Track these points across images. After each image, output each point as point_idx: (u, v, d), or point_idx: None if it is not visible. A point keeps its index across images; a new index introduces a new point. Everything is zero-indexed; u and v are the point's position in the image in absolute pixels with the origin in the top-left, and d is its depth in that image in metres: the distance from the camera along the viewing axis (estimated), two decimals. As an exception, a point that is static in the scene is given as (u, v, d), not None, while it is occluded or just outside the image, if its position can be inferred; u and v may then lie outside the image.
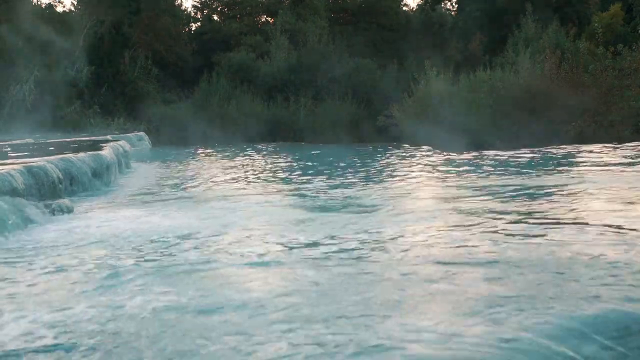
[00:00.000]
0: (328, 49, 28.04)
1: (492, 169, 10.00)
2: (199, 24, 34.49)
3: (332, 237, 4.69)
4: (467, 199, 6.62)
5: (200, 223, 5.57)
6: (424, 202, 7.04)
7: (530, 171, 9.49)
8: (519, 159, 11.39)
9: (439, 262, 3.75)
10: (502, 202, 6.29)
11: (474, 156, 12.63)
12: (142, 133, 21.53)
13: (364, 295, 3.14)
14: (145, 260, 4.10)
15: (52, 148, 10.75)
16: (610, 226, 4.62)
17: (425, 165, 11.85)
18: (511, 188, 7.42)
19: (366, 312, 2.87)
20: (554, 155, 11.67)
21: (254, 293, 3.26)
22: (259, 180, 10.05)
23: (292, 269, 3.77)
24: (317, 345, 2.49)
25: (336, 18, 32.46)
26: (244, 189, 8.85)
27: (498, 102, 16.57)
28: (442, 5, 33.51)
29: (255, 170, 11.91)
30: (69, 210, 6.27)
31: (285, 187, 9.12)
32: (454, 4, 33.52)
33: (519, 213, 5.47)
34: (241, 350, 2.50)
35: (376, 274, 3.55)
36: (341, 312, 2.88)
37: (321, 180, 9.48)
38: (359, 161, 13.63)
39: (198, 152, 19.12)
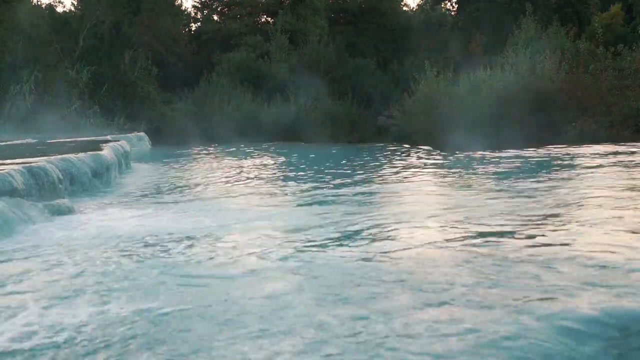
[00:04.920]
0: (328, 49, 28.04)
1: (492, 170, 10.00)
2: (199, 24, 34.51)
3: (335, 238, 4.68)
4: (466, 200, 6.62)
5: (199, 224, 5.57)
6: (423, 202, 7.03)
7: (530, 171, 9.48)
8: (518, 160, 11.38)
9: (424, 261, 3.75)
10: (501, 201, 6.28)
11: (473, 156, 12.62)
12: (142, 133, 21.51)
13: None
14: (144, 261, 4.09)
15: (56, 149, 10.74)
16: (608, 225, 4.62)
17: (425, 165, 11.85)
18: (510, 188, 7.42)
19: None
20: (554, 156, 11.66)
21: (255, 296, 3.26)
22: (259, 181, 10.04)
23: (291, 271, 3.77)
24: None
25: (336, 18, 32.45)
26: (244, 189, 8.84)
27: (498, 102, 16.55)
28: (442, 5, 33.50)
29: (255, 171, 11.90)
30: (69, 210, 6.26)
31: (285, 187, 9.11)
32: (454, 4, 33.49)
33: (517, 213, 5.47)
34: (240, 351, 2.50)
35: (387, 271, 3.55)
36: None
37: (321, 181, 9.48)
38: (358, 161, 13.62)
39: (198, 152, 19.11)
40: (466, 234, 4.60)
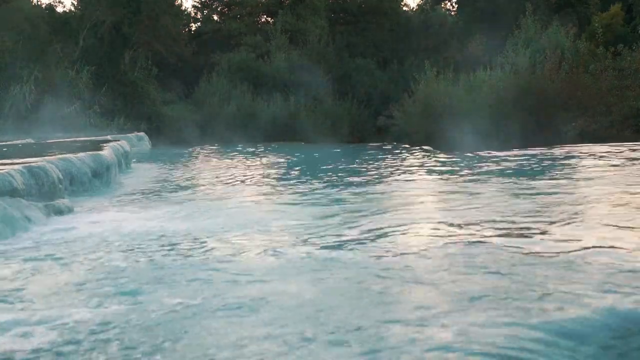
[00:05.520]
0: (328, 49, 28.04)
1: (493, 170, 10.00)
2: (199, 24, 34.51)
3: (348, 237, 4.66)
4: (469, 200, 6.62)
5: (202, 223, 5.57)
6: (428, 203, 7.03)
7: (530, 172, 9.48)
8: (519, 160, 11.38)
9: (422, 259, 3.76)
10: (504, 201, 6.28)
11: (473, 156, 12.62)
12: (142, 133, 21.52)
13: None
14: (145, 261, 4.09)
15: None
16: (608, 226, 4.62)
17: (425, 165, 11.85)
18: (512, 188, 7.42)
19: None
20: (554, 156, 11.66)
21: (255, 292, 3.26)
22: (259, 181, 10.04)
23: (310, 270, 3.77)
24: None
25: (336, 18, 32.44)
26: (245, 189, 8.84)
27: (498, 102, 16.56)
28: (442, 5, 33.50)
29: (255, 171, 11.91)
30: (69, 210, 6.26)
31: (285, 187, 9.11)
32: (454, 4, 33.52)
33: (521, 213, 5.46)
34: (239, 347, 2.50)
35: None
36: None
37: (321, 181, 9.48)
38: (360, 161, 13.63)
39: (198, 152, 19.11)
40: (474, 234, 4.59)
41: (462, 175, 9.45)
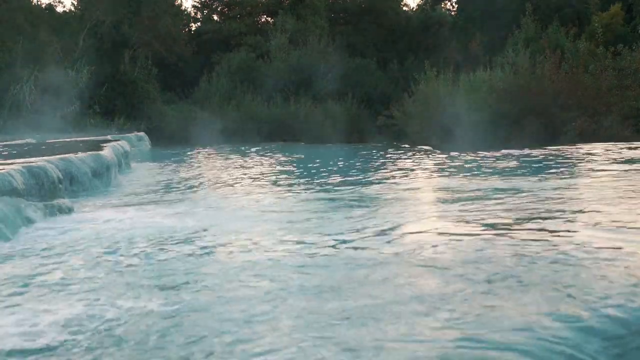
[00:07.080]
0: (328, 49, 28.05)
1: (492, 169, 10.00)
2: (199, 24, 34.54)
3: (355, 236, 4.66)
4: (464, 200, 6.62)
5: (200, 223, 5.56)
6: (429, 202, 7.04)
7: (531, 171, 9.48)
8: (519, 160, 11.38)
9: (417, 261, 3.76)
10: (499, 202, 6.28)
11: (473, 156, 12.63)
12: (142, 133, 21.53)
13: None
14: (145, 261, 4.09)
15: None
16: (608, 224, 4.62)
17: (425, 165, 11.85)
18: (510, 189, 7.42)
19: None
20: (553, 156, 11.66)
21: (253, 292, 3.26)
22: (258, 181, 10.05)
23: (289, 272, 3.77)
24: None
25: (336, 18, 32.48)
26: (244, 189, 8.84)
27: (498, 102, 16.57)
28: (442, 5, 33.53)
29: (255, 171, 11.91)
30: (69, 211, 6.26)
31: (285, 187, 9.11)
32: (454, 4, 33.55)
33: (515, 214, 5.47)
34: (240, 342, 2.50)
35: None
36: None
37: (321, 181, 9.48)
38: (358, 161, 13.64)
39: (198, 152, 19.11)
40: (477, 234, 4.59)
41: (462, 175, 9.45)
